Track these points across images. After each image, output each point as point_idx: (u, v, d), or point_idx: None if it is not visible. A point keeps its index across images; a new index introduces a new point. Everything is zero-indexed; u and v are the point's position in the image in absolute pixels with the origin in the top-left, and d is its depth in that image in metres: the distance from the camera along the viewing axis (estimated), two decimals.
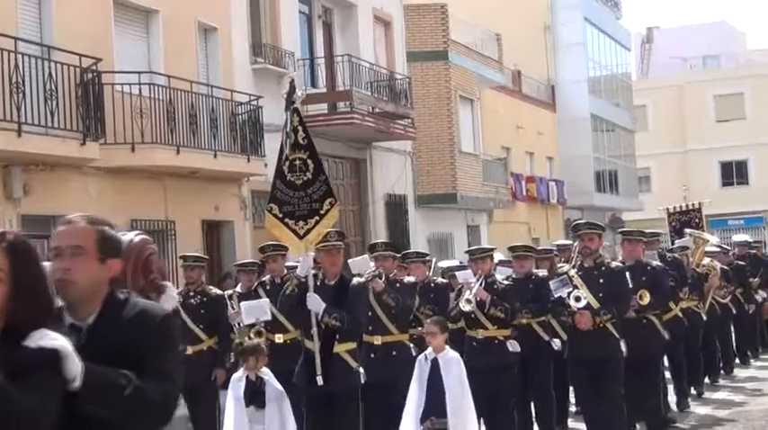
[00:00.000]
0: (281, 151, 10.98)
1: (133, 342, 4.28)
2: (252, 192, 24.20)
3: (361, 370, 10.81)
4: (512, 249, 14.22)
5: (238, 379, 10.66)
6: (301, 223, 10.69)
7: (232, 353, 12.60)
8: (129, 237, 5.13)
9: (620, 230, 15.16)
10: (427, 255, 15.34)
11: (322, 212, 10.70)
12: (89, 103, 18.22)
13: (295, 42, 26.90)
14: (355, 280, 10.97)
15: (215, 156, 21.49)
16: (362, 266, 11.81)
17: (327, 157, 27.97)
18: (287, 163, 10.82)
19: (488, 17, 40.20)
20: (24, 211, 17.64)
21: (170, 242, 20.95)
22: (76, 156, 18.00)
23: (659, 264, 14.08)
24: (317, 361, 10.38)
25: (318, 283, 10.69)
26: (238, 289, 14.02)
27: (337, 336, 10.57)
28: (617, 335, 11.94)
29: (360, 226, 29.78)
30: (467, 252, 13.86)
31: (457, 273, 13.63)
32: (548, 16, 47.42)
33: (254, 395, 10.46)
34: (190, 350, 12.51)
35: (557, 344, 13.59)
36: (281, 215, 10.79)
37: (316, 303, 10.43)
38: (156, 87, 19.94)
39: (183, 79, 20.58)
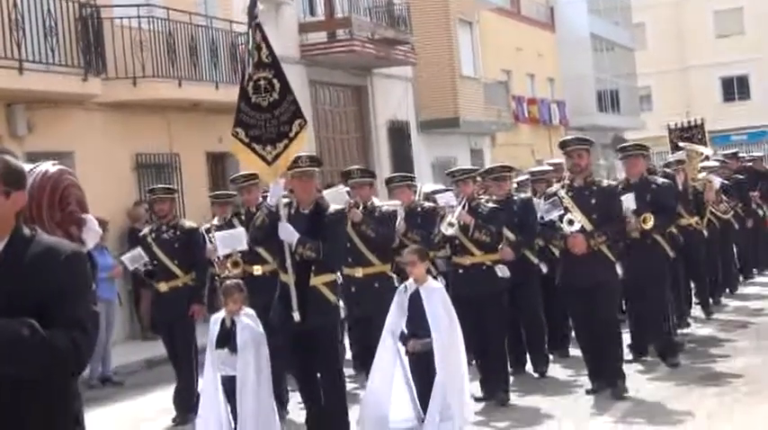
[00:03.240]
0: (244, 71, 10.14)
1: (37, 284, 3.89)
2: None
3: (341, 304, 10.18)
4: (488, 171, 13.54)
5: (215, 320, 9.97)
6: (269, 148, 9.80)
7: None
8: (44, 167, 4.76)
9: (618, 147, 14.12)
10: (413, 177, 14.46)
11: (291, 135, 9.79)
12: (89, 38, 18.17)
13: None
14: (333, 206, 10.12)
15: (216, 87, 21.44)
16: (338, 197, 11.14)
17: (327, 85, 28.04)
18: (251, 83, 9.88)
19: None
20: (29, 149, 17.58)
21: (175, 175, 20.99)
22: (78, 92, 18.01)
23: (664, 180, 13.38)
24: (293, 295, 9.59)
25: (292, 212, 9.87)
26: (215, 221, 13.13)
27: (313, 268, 9.69)
28: (612, 259, 11.30)
29: (362, 153, 29.76)
30: (448, 173, 12.99)
31: (437, 196, 12.88)
32: None
33: (226, 338, 9.72)
34: (165, 286, 12.11)
35: (544, 268, 13.13)
36: (247, 140, 9.89)
37: (288, 233, 9.59)
38: (156, 20, 19.86)
39: (182, 11, 20.49)
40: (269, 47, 9.94)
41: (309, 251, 9.58)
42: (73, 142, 18.57)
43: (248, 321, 9.74)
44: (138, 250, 12.31)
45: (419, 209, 12.94)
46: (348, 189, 11.81)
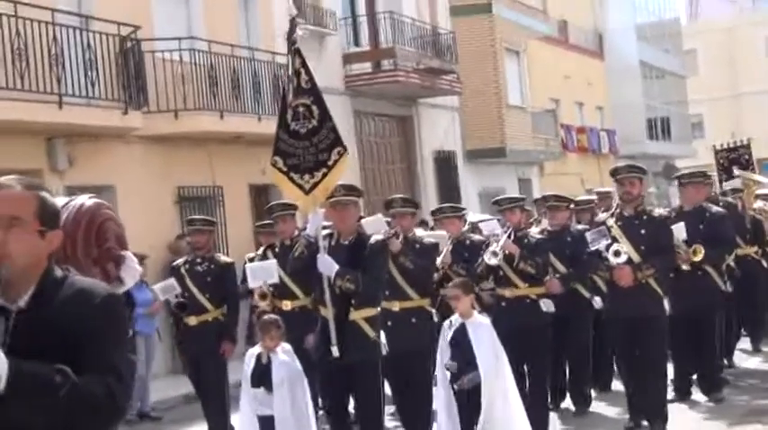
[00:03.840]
0: (284, 98, 9.87)
1: (70, 328, 3.62)
2: None
3: (383, 340, 9.68)
4: (545, 199, 13.32)
5: (250, 355, 9.79)
6: (307, 176, 9.49)
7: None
8: (79, 200, 4.54)
9: (676, 175, 13.73)
10: (462, 209, 13.92)
11: (330, 164, 9.46)
12: (129, 71, 18.12)
13: (336, 1, 26.64)
14: (374, 237, 9.69)
15: (259, 119, 21.32)
16: (377, 226, 10.68)
17: (372, 116, 27.90)
18: (290, 110, 9.64)
19: None
20: (69, 183, 17.58)
21: (218, 208, 20.89)
22: (119, 125, 17.95)
23: (719, 209, 12.99)
24: (332, 329, 9.23)
25: (333, 244, 9.52)
26: (259, 252, 13.01)
27: (353, 302, 9.34)
28: (660, 293, 10.79)
29: (408, 184, 29.56)
30: (494, 202, 12.53)
31: (481, 224, 12.64)
32: None
33: (262, 376, 9.56)
34: (194, 320, 11.93)
35: (598, 302, 12.53)
36: (285, 169, 9.57)
37: (326, 265, 9.26)
38: (197, 53, 19.80)
39: (223, 43, 20.42)
40: (308, 72, 9.70)
41: (348, 283, 9.24)
42: (114, 176, 18.51)
43: (285, 357, 9.61)
44: (171, 280, 12.17)
45: (467, 241, 12.51)
46: (388, 218, 11.45)
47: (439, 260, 11.67)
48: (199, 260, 12.26)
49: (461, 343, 9.56)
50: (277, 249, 12.48)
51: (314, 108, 9.60)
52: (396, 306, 10.91)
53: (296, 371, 9.55)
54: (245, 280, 12.47)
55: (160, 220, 19.03)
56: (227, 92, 20.54)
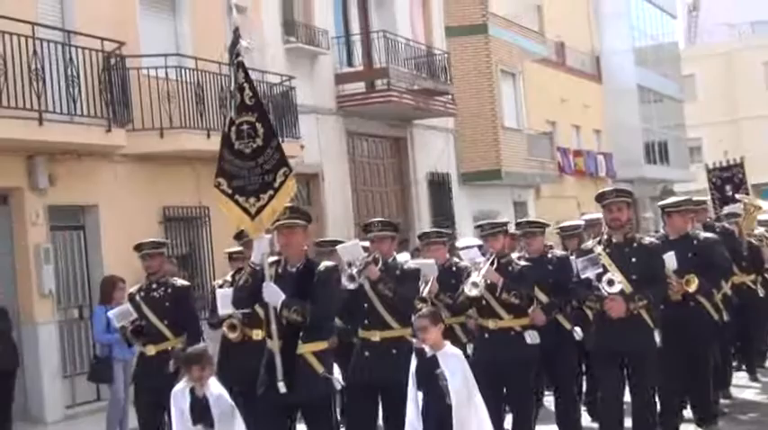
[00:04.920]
0: (227, 114, 9.35)
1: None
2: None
3: (336, 375, 9.13)
4: (519, 225, 12.63)
5: (181, 392, 9.11)
6: (253, 199, 8.97)
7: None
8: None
9: (660, 204, 12.79)
10: (447, 234, 13.32)
11: (276, 185, 8.96)
12: (114, 88, 17.65)
13: (329, 20, 26.25)
14: (323, 264, 9.14)
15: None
16: (353, 252, 10.36)
17: (365, 137, 27.47)
18: (233, 128, 9.09)
19: None
20: (50, 202, 17.13)
21: (204, 228, 20.41)
22: (102, 143, 17.47)
23: (709, 235, 12.43)
24: (278, 364, 8.72)
25: (280, 271, 9.01)
26: (228, 278, 12.50)
27: (301, 334, 8.80)
28: (651, 324, 10.28)
29: (402, 206, 29.12)
30: (476, 226, 12.35)
31: (461, 252, 12.08)
32: None
33: (202, 412, 8.93)
34: (153, 349, 11.36)
35: (578, 333, 11.85)
36: (230, 191, 9.05)
37: (272, 294, 8.75)
38: (184, 70, 19.35)
39: (211, 61, 19.97)
40: (252, 87, 9.20)
41: (295, 314, 8.71)
42: (97, 195, 18.06)
43: (220, 391, 9.00)
44: (127, 306, 11.62)
45: (453, 268, 12.03)
46: (365, 243, 10.89)
47: (426, 290, 11.02)
48: (154, 286, 11.63)
49: (431, 375, 9.06)
50: None
51: (258, 126, 9.07)
52: (376, 336, 10.36)
53: (230, 405, 9.01)
54: (215, 308, 11.95)
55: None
56: (215, 110, 20.07)
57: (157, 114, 18.65)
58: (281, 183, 8.98)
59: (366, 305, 10.34)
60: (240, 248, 12.77)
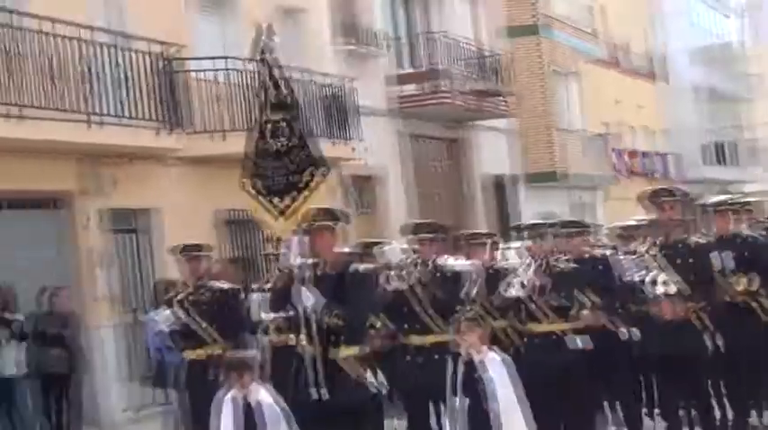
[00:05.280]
0: (260, 113, 9.06)
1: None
2: (344, 176, 23.37)
3: (381, 378, 8.83)
4: (562, 225, 12.03)
5: (224, 399, 8.69)
6: (276, 199, 8.76)
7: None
8: None
9: (701, 203, 12.33)
10: (492, 235, 12.82)
11: (301, 186, 8.73)
12: (166, 91, 17.45)
13: (385, 21, 26.00)
14: (360, 266, 8.93)
15: None
16: (396, 254, 10.23)
17: (423, 138, 27.13)
18: (260, 126, 8.92)
19: None
20: (101, 206, 16.94)
21: (259, 231, 20.14)
22: (156, 146, 17.27)
23: (754, 234, 11.64)
24: (313, 369, 8.47)
25: (318, 273, 8.70)
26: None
27: (338, 339, 8.55)
28: (709, 326, 9.82)
29: (460, 208, 28.74)
30: (513, 227, 11.88)
31: (507, 252, 11.77)
32: None
33: (246, 421, 8.51)
34: (196, 355, 11.01)
35: (625, 334, 11.00)
36: (253, 192, 8.87)
37: (308, 298, 8.48)
38: (237, 72, 19.09)
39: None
40: (282, 85, 8.96)
41: (334, 319, 8.45)
42: (150, 199, 17.89)
43: (267, 397, 8.54)
44: (170, 311, 11.34)
45: (494, 270, 11.46)
46: (414, 246, 10.57)
47: (474, 291, 10.70)
48: (201, 290, 11.30)
49: (474, 380, 8.68)
50: None
51: (286, 125, 8.86)
52: (418, 340, 10.04)
53: (278, 411, 8.50)
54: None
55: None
56: None
57: (211, 117, 18.45)
58: (308, 183, 8.75)
59: (408, 308, 10.03)
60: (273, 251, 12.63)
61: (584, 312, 10.56)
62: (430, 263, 10.12)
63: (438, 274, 10.17)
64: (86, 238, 16.64)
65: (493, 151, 30.32)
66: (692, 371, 9.83)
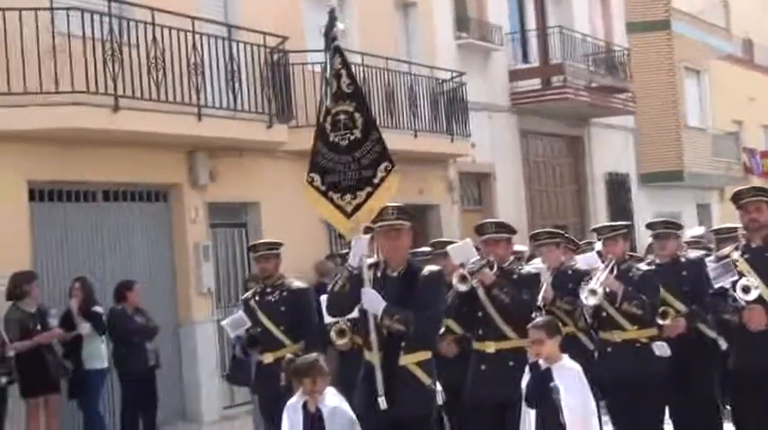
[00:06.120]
0: (321, 104, 8.48)
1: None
2: (459, 173, 23.06)
3: (438, 387, 8.24)
4: (650, 226, 11.48)
5: (294, 407, 8.25)
6: (349, 196, 8.18)
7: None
8: None
9: None
10: (560, 234, 12.37)
11: (375, 182, 8.12)
12: (276, 83, 17.32)
13: (503, 15, 25.55)
14: (427, 268, 8.23)
15: (415, 136, 20.36)
16: (465, 254, 9.51)
17: (540, 135, 26.71)
18: (329, 118, 8.32)
19: None
20: (211, 199, 16.88)
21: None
22: (264, 139, 17.12)
23: None
24: (378, 377, 7.90)
25: (380, 275, 8.16)
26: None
27: (403, 344, 7.94)
28: None
29: (578, 207, 28.25)
30: (593, 230, 11.14)
31: (577, 256, 11.28)
32: None
33: (315, 428, 8.09)
34: (270, 357, 10.81)
35: (724, 343, 10.32)
36: (323, 187, 8.26)
37: (372, 301, 7.92)
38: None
39: (377, 56, 19.48)
40: (350, 74, 8.41)
41: (398, 323, 7.85)
42: (259, 192, 17.76)
43: (336, 403, 8.12)
44: (240, 313, 11.09)
45: (569, 271, 11.17)
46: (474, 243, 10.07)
47: (539, 297, 10.23)
48: (269, 289, 11.10)
49: (545, 389, 8.18)
50: None
51: (357, 116, 8.29)
52: (491, 347, 9.50)
53: (350, 418, 8.09)
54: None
55: (307, 239, 18.07)
56: (381, 106, 19.58)
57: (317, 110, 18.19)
58: (382, 179, 8.18)
59: (480, 313, 9.51)
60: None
61: (666, 321, 10.18)
62: (495, 265, 9.60)
63: (515, 276, 9.65)
64: (194, 232, 16.56)
65: (614, 149, 29.73)
66: None
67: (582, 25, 28.11)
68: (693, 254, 11.42)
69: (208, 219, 16.89)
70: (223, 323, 11.54)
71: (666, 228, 11.29)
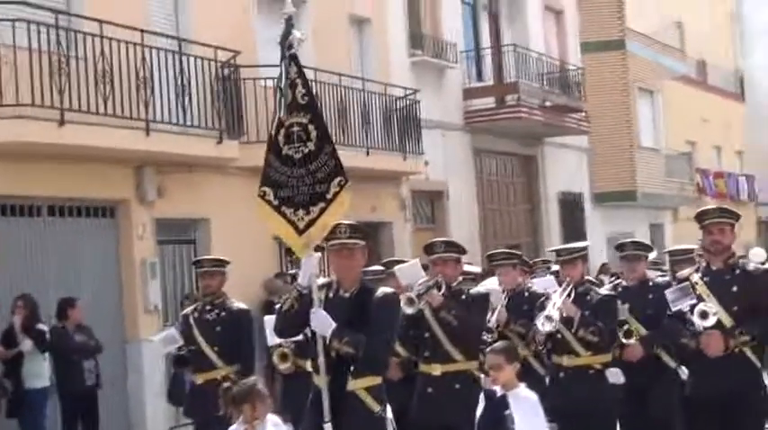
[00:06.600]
0: (274, 115, 8.15)
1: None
2: (412, 191, 22.92)
3: (389, 414, 7.87)
4: (619, 247, 11.26)
5: None
6: (302, 212, 7.85)
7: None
8: None
9: None
10: (517, 256, 12.12)
11: (329, 197, 7.82)
12: (227, 98, 17.10)
13: (458, 33, 25.47)
14: (381, 289, 7.88)
15: (367, 153, 20.20)
16: (412, 274, 9.43)
17: (494, 154, 26.59)
18: (282, 130, 7.98)
19: (668, 4, 37.92)
20: (159, 215, 16.61)
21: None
22: (214, 155, 16.90)
23: None
24: (325, 403, 7.58)
25: (331, 295, 7.85)
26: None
27: (352, 368, 7.63)
28: (758, 365, 8.74)
29: (531, 226, 28.17)
30: (552, 251, 11.01)
31: (535, 280, 11.20)
32: (733, 2, 44.87)
33: None
34: (200, 378, 10.51)
35: (685, 372, 10.05)
36: (276, 202, 7.94)
37: (322, 322, 7.59)
38: None
39: (330, 72, 19.31)
40: (306, 84, 8.07)
41: (347, 346, 7.52)
42: (208, 208, 17.51)
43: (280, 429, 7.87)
44: (172, 330, 10.86)
45: (525, 293, 11.01)
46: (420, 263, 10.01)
47: (493, 319, 10.10)
48: (209, 307, 10.73)
49: (499, 417, 7.96)
50: None
51: (311, 128, 7.98)
52: (437, 369, 9.34)
53: None
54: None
55: (257, 257, 17.86)
56: (334, 123, 19.39)
57: (269, 125, 17.98)
58: (335, 195, 7.88)
59: (427, 334, 9.30)
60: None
61: (631, 341, 10.03)
62: (443, 285, 9.41)
63: (464, 297, 9.47)
64: (141, 248, 16.30)
65: (567, 168, 29.69)
66: (741, 417, 8.82)
67: (536, 44, 28.06)
68: (661, 279, 11.21)
69: (155, 235, 16.62)
70: (155, 338, 11.25)
71: (637, 250, 11.09)
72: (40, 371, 13.83)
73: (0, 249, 14.56)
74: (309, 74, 18.44)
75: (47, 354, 13.89)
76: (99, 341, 14.41)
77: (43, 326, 13.82)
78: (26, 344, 13.58)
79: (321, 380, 7.69)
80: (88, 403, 14.18)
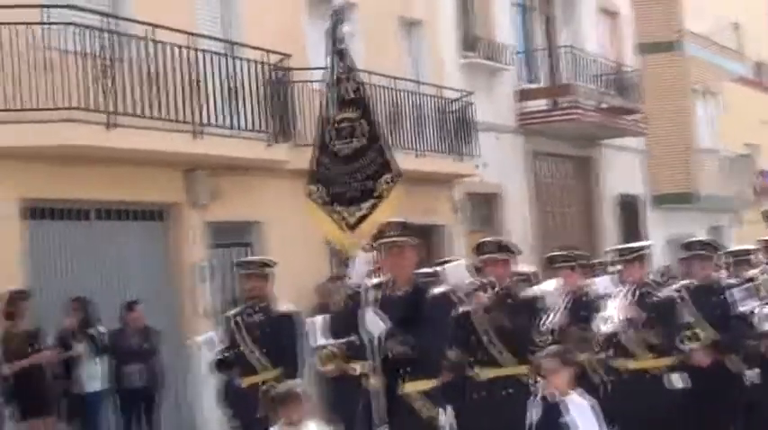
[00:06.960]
0: (324, 112, 7.95)
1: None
2: (467, 194, 22.76)
3: (443, 417, 7.64)
4: (687, 246, 10.97)
5: None
6: (353, 208, 7.63)
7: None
8: None
9: None
10: (577, 258, 11.73)
11: (377, 194, 7.59)
12: (278, 101, 17.05)
13: (510, 35, 25.30)
14: (436, 289, 7.69)
15: (417, 155, 20.06)
16: (458, 274, 9.05)
17: (549, 156, 26.37)
18: (329, 126, 7.81)
19: (724, 4, 37.48)
20: (211, 218, 16.57)
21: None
22: (264, 158, 16.84)
23: None
24: (380, 405, 7.37)
25: (384, 294, 7.63)
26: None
27: (407, 370, 7.41)
28: None
29: (587, 229, 27.88)
30: (611, 250, 10.78)
31: (596, 279, 10.89)
32: None
33: None
34: (245, 382, 10.28)
35: (751, 376, 9.87)
36: (328, 199, 7.69)
37: (374, 323, 7.39)
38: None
39: (383, 75, 19.20)
40: (356, 79, 7.91)
41: (401, 346, 7.33)
42: (260, 212, 17.45)
43: None
44: (212, 334, 10.68)
45: (584, 298, 10.68)
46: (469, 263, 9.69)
47: (553, 321, 9.83)
48: (255, 309, 10.51)
49: (555, 424, 7.69)
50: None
51: (361, 124, 7.79)
52: (484, 374, 9.00)
53: None
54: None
55: (309, 261, 17.75)
56: (387, 126, 19.26)
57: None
58: (383, 191, 7.67)
59: (474, 338, 8.99)
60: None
61: (694, 346, 9.69)
62: (496, 286, 9.12)
63: (511, 300, 9.18)
64: (192, 252, 16.27)
65: (624, 170, 29.39)
66: None
67: (591, 45, 27.84)
68: (730, 279, 10.88)
69: (207, 238, 16.57)
70: (197, 339, 11.13)
71: (704, 249, 10.76)
72: (95, 374, 13.87)
73: (51, 253, 14.58)
74: (362, 76, 18.51)
75: (101, 357, 13.91)
76: (155, 344, 14.37)
77: (101, 329, 13.85)
78: (79, 348, 13.59)
79: (376, 383, 7.48)
80: (145, 405, 14.19)
